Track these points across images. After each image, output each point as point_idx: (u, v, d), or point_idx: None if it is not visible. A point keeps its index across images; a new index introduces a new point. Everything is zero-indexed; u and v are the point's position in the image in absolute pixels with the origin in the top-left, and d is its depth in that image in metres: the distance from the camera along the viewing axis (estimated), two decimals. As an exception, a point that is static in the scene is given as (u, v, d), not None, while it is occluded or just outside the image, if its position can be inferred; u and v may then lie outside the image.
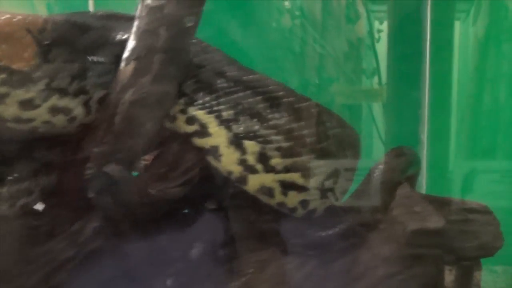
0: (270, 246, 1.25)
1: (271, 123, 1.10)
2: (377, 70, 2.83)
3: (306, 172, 1.11)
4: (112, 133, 1.10)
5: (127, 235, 1.13)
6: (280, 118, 1.11)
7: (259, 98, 1.11)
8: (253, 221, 1.24)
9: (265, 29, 2.34)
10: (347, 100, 2.80)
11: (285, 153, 1.10)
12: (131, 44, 1.09)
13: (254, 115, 1.10)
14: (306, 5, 2.54)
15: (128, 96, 1.08)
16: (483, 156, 2.70)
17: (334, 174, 1.16)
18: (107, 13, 1.19)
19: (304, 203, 1.15)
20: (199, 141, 1.12)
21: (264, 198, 1.14)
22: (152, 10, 1.06)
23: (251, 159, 1.10)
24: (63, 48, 1.05)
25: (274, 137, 1.10)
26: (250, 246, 1.26)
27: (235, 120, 1.10)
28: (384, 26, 2.64)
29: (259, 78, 1.12)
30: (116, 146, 1.11)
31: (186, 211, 1.28)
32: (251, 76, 1.12)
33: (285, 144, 1.10)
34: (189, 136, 1.13)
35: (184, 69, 1.12)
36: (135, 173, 1.18)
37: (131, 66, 1.08)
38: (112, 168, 1.07)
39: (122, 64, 1.09)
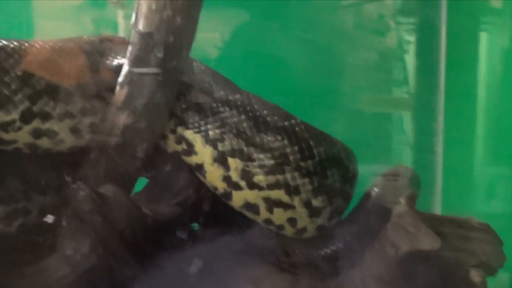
0: (265, 263, 1.26)
1: (254, 141, 1.12)
2: (405, 80, 2.88)
3: (290, 189, 1.12)
4: (106, 154, 1.13)
5: (121, 254, 1.15)
6: (263, 137, 1.12)
7: (243, 117, 1.13)
8: (248, 238, 1.26)
9: (303, 41, 2.40)
10: (377, 109, 2.85)
11: (268, 170, 1.11)
12: (124, 68, 1.12)
13: (239, 134, 1.12)
14: (338, 18, 2.60)
15: (122, 119, 1.12)
16: (506, 163, 2.68)
17: (322, 193, 1.15)
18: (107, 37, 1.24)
19: (292, 221, 1.15)
20: (186, 159, 1.16)
21: (250, 215, 1.15)
22: (143, 36, 1.09)
23: (234, 175, 1.12)
24: None
25: (257, 155, 1.11)
26: (246, 262, 1.27)
27: (221, 139, 1.13)
28: (413, 38, 2.68)
29: (244, 98, 1.14)
30: (111, 167, 1.14)
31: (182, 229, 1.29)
32: (236, 96, 1.14)
33: (268, 162, 1.11)
34: (178, 154, 1.15)
35: (175, 91, 1.14)
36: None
37: (125, 90, 1.12)
38: (107, 189, 1.10)
39: (117, 88, 1.13)
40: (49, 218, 1.18)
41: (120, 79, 1.13)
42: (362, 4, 2.60)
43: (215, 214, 1.28)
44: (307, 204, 1.14)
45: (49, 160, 1.18)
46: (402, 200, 1.24)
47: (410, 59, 2.60)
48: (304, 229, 1.17)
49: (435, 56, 2.42)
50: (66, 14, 2.04)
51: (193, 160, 1.15)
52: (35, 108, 1.07)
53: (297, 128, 1.13)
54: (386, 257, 1.16)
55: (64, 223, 1.15)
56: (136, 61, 1.11)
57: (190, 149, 1.15)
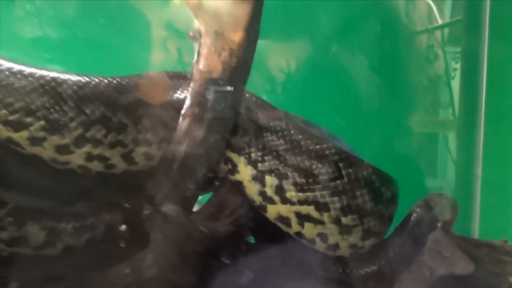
0: (309, 278, 1.34)
1: (289, 162, 1.22)
2: (451, 103, 2.94)
3: (320, 206, 1.21)
4: (170, 177, 1.25)
5: (179, 266, 1.25)
6: (297, 159, 1.22)
7: (281, 141, 1.23)
8: (294, 253, 1.34)
9: (363, 66, 2.55)
10: (425, 129, 2.94)
11: (300, 188, 1.21)
12: (186, 102, 1.24)
13: (277, 156, 1.23)
14: (393, 47, 2.71)
15: (184, 147, 1.23)
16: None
17: (352, 212, 1.22)
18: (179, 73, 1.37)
19: (322, 236, 1.23)
20: (230, 177, 1.28)
21: (283, 227, 1.25)
22: (203, 75, 1.20)
23: (269, 191, 1.23)
24: None
25: (290, 174, 1.21)
26: (293, 275, 1.36)
27: (262, 160, 1.24)
28: (458, 65, 2.76)
29: (283, 125, 1.25)
30: (173, 189, 1.26)
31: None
32: (276, 123, 1.26)
33: (299, 180, 1.21)
34: (226, 174, 1.27)
35: (231, 123, 1.25)
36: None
37: (186, 121, 1.23)
38: (168, 208, 1.22)
39: (180, 119, 1.24)
40: (122, 229, 1.32)
41: (182, 111, 1.24)
42: (415, 35, 2.69)
43: (267, 230, 1.37)
44: (336, 221, 1.21)
45: (116, 181, 1.29)
46: (439, 226, 1.30)
47: (456, 84, 2.67)
48: (336, 246, 1.24)
49: (478, 81, 2.46)
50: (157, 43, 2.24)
51: (236, 178, 1.27)
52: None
53: (327, 152, 1.22)
54: (422, 280, 1.21)
55: (129, 238, 1.28)
56: (196, 97, 1.21)
57: (234, 169, 1.27)
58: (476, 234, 2.36)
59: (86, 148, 1.18)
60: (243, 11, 1.16)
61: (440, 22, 2.98)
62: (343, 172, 1.22)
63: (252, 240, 1.45)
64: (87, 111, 1.18)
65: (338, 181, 1.22)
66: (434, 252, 1.23)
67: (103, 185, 1.31)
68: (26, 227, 1.19)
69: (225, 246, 1.34)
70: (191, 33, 2.22)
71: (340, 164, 1.22)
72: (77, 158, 1.19)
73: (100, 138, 1.19)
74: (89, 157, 1.20)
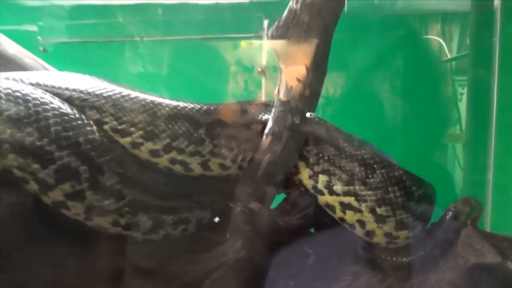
0: (360, 262, 1.33)
1: (337, 164, 1.24)
2: (459, 121, 2.94)
3: (358, 198, 1.21)
4: (255, 181, 1.27)
5: (261, 250, 1.27)
6: (343, 161, 1.24)
7: (332, 148, 1.25)
8: (348, 242, 1.33)
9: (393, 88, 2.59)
10: (438, 141, 2.96)
11: (344, 183, 1.22)
12: (269, 124, 1.25)
13: (328, 159, 1.24)
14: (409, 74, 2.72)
15: (267, 158, 1.25)
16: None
17: (385, 204, 1.20)
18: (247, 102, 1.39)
19: (361, 223, 1.22)
20: (294, 177, 1.30)
21: (330, 212, 1.26)
22: (282, 103, 1.22)
23: (320, 186, 1.25)
24: None
25: (338, 172, 1.23)
26: (347, 260, 1.35)
27: (317, 163, 1.25)
28: (465, 90, 2.76)
29: (333, 137, 1.26)
30: (257, 190, 1.27)
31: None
32: (329, 134, 1.27)
33: (344, 177, 1.22)
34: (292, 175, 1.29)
35: (303, 139, 1.26)
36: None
37: (269, 138, 1.25)
38: (254, 205, 1.24)
39: (264, 137, 1.26)
40: (215, 221, 1.33)
41: (266, 131, 1.25)
42: (430, 66, 2.70)
43: (326, 223, 1.37)
44: (372, 211, 1.20)
45: (206, 183, 1.30)
46: (469, 223, 1.26)
47: (463, 105, 2.64)
48: (373, 232, 1.23)
49: (486, 103, 2.43)
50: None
51: (298, 177, 1.29)
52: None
53: (365, 156, 1.23)
54: (457, 267, 1.18)
55: (219, 229, 1.29)
56: (277, 120, 1.23)
57: (297, 170, 1.29)
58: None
59: (172, 154, 1.20)
60: (309, 52, 1.16)
61: (449, 56, 2.96)
62: (377, 171, 1.22)
63: (312, 230, 1.44)
64: (175, 126, 1.21)
65: (372, 179, 1.21)
66: (467, 244, 1.20)
67: (196, 187, 1.32)
68: (138, 216, 1.20)
69: (295, 234, 1.35)
70: (259, 69, 2.26)
71: (375, 166, 1.23)
72: (164, 161, 1.21)
73: (183, 148, 1.21)
74: (173, 161, 1.21)
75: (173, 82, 2.37)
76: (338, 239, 1.37)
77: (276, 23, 1.18)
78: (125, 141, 1.20)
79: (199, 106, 1.27)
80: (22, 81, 1.30)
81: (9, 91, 1.17)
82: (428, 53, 2.82)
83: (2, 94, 1.16)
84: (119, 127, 1.19)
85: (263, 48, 2.27)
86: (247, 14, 2.30)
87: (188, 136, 1.20)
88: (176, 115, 1.22)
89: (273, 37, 1.18)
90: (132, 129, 1.19)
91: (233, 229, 1.26)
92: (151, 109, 1.21)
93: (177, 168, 1.22)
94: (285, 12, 1.17)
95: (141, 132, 1.19)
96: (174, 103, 1.25)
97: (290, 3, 1.16)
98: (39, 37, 2.19)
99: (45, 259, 1.20)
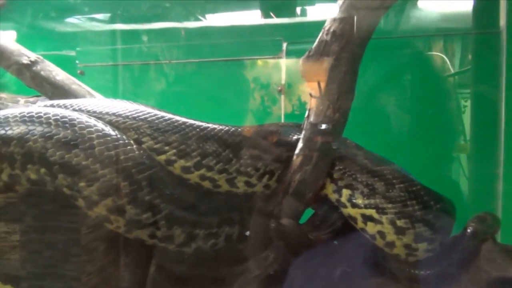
0: (383, 274, 1.32)
1: (359, 179, 1.25)
2: (463, 132, 2.94)
3: (379, 210, 1.22)
4: (287, 198, 1.29)
5: (292, 262, 1.28)
6: (364, 177, 1.25)
7: (355, 165, 1.28)
8: (371, 254, 1.33)
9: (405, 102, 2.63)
10: (443, 152, 2.97)
11: (365, 196, 1.23)
12: (299, 145, 1.28)
13: (351, 175, 1.26)
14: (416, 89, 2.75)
15: (297, 177, 1.27)
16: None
17: (405, 217, 1.20)
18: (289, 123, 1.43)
19: (381, 234, 1.22)
20: (320, 192, 1.32)
21: (352, 223, 1.27)
22: (313, 126, 1.25)
23: (344, 199, 1.26)
24: None
25: (360, 187, 1.24)
26: (371, 271, 1.35)
27: (341, 179, 1.27)
28: (468, 103, 2.76)
29: (352, 155, 1.30)
30: (288, 206, 1.29)
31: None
32: (349, 152, 1.31)
33: (365, 191, 1.24)
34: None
35: (331, 159, 1.28)
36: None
37: (300, 159, 1.27)
38: (286, 221, 1.25)
39: (294, 157, 1.28)
40: (247, 233, 1.35)
41: (296, 151, 1.28)
42: (435, 80, 2.74)
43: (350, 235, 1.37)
44: (392, 223, 1.21)
45: (236, 200, 1.32)
46: (490, 237, 1.26)
47: (466, 117, 2.65)
48: (393, 244, 1.22)
49: (491, 114, 2.45)
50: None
51: (323, 191, 1.31)
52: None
53: (385, 171, 1.25)
54: (479, 280, 1.17)
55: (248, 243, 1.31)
56: (307, 141, 1.25)
57: (323, 186, 1.31)
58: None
59: (202, 171, 1.24)
60: (339, 79, 1.19)
61: (452, 71, 2.99)
62: (396, 186, 1.23)
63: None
64: (206, 146, 1.24)
65: (392, 193, 1.22)
66: (488, 258, 1.20)
67: (226, 204, 1.34)
68: (173, 229, 1.22)
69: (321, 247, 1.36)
70: (278, 88, 2.29)
71: (394, 181, 1.24)
72: (194, 177, 1.24)
73: (212, 165, 1.24)
74: (203, 178, 1.24)
75: (196, 100, 2.41)
76: (360, 251, 1.37)
77: (307, 52, 1.21)
78: (160, 158, 1.24)
79: (227, 127, 1.30)
80: (69, 107, 1.36)
81: (57, 117, 1.23)
82: (432, 68, 2.84)
83: (51, 120, 1.22)
84: (154, 146, 1.23)
85: (282, 68, 2.31)
86: (266, 37, 2.34)
87: (216, 155, 1.23)
88: (206, 136, 1.26)
89: (304, 65, 1.20)
90: (166, 148, 1.23)
91: (265, 244, 1.27)
92: (182, 130, 1.25)
93: (206, 184, 1.26)
94: (315, 43, 1.20)
95: (174, 150, 1.23)
96: (204, 124, 1.29)
97: (320, 35, 1.19)
98: (77, 61, 2.26)
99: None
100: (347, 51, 1.14)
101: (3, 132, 1.23)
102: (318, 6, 2.39)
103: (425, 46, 2.73)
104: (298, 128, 1.34)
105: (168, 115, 1.29)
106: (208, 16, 2.45)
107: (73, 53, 2.32)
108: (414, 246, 1.24)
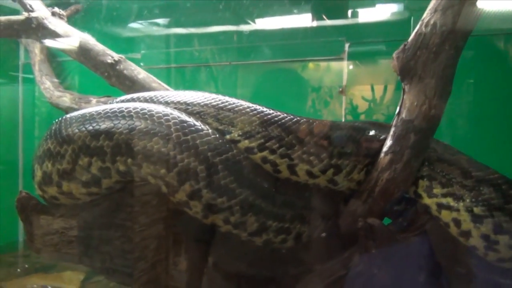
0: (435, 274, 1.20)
1: (436, 169, 1.18)
2: None
3: (456, 197, 1.12)
4: (372, 197, 1.20)
5: (376, 263, 1.18)
6: (445, 169, 1.17)
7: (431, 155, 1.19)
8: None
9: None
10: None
11: (443, 186, 1.15)
12: (388, 143, 1.18)
13: (428, 164, 1.19)
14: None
15: (385, 175, 1.18)
16: None
17: (482, 205, 1.10)
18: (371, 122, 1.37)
19: (456, 221, 1.12)
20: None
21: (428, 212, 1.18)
22: (405, 122, 1.15)
23: (420, 190, 1.18)
24: None
25: (439, 177, 1.16)
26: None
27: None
28: None
29: (435, 156, 1.20)
30: (374, 206, 1.20)
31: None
32: (434, 154, 1.20)
33: (443, 180, 1.15)
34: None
35: (423, 158, 1.17)
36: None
37: (389, 157, 1.17)
38: (373, 221, 1.16)
39: (382, 155, 1.19)
40: (323, 234, 1.27)
41: (385, 149, 1.18)
42: None
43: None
44: (469, 210, 1.10)
45: (308, 198, 1.26)
46: None
47: None
48: (468, 233, 1.11)
49: None
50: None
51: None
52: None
53: (461, 160, 1.17)
54: None
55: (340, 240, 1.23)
56: (398, 139, 1.15)
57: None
58: None
59: (264, 153, 1.20)
60: (437, 73, 1.09)
61: None
62: (473, 174, 1.14)
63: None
64: (269, 130, 1.21)
65: (469, 181, 1.13)
66: None
67: (300, 200, 1.27)
68: (247, 216, 1.18)
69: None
70: (339, 89, 2.19)
71: (470, 169, 1.15)
72: (257, 159, 1.21)
73: (274, 149, 1.20)
74: (264, 160, 1.21)
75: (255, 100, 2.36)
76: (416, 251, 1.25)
77: (402, 46, 1.11)
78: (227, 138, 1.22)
79: (291, 115, 1.27)
80: (154, 100, 1.35)
81: (137, 109, 1.24)
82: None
83: (132, 113, 1.23)
84: (219, 127, 1.24)
85: (344, 69, 2.22)
86: (327, 37, 2.26)
87: (279, 140, 1.20)
88: (269, 120, 1.23)
89: (398, 59, 1.11)
90: (232, 128, 1.22)
91: (350, 243, 1.18)
92: (248, 113, 1.24)
93: (267, 167, 1.21)
94: (412, 35, 1.10)
95: (239, 131, 1.22)
96: (268, 110, 1.27)
97: (418, 27, 1.09)
98: (142, 63, 2.28)
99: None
100: (448, 44, 1.04)
101: (91, 127, 1.23)
102: (378, 7, 2.28)
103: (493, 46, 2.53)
104: (375, 126, 1.25)
105: (233, 100, 1.29)
106: (257, 20, 2.41)
107: (138, 56, 2.35)
108: (493, 238, 1.11)
